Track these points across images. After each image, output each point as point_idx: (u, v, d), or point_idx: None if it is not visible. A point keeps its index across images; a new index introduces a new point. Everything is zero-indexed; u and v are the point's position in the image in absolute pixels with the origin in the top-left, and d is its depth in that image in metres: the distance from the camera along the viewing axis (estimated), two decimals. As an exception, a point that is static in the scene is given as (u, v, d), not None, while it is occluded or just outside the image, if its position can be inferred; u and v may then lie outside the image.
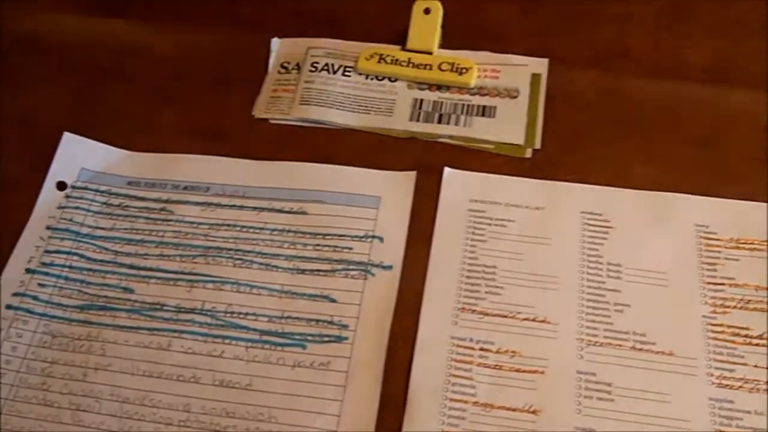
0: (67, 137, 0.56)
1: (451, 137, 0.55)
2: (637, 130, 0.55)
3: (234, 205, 0.53)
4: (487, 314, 0.48)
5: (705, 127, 0.55)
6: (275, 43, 0.61)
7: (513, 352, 0.47)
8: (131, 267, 0.51)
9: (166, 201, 0.54)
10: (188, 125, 0.57)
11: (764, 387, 0.45)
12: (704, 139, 0.55)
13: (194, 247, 0.51)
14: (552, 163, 0.54)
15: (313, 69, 0.59)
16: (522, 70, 0.58)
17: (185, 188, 0.54)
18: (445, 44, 0.59)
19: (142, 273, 0.51)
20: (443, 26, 0.58)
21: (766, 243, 0.50)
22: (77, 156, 0.55)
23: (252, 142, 0.56)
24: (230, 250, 0.51)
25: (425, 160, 0.54)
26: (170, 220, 0.53)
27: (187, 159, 0.55)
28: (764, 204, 0.52)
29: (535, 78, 0.57)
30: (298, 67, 0.59)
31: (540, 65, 0.58)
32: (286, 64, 0.60)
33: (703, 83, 0.57)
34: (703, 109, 0.56)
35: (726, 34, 0.59)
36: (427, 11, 0.58)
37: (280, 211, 0.52)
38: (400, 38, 0.59)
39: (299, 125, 0.57)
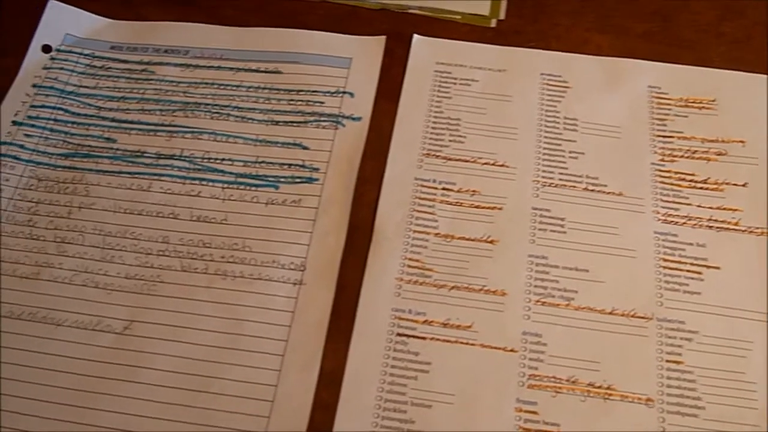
0: (52, 4, 0.58)
1: (420, 8, 0.58)
2: (597, 5, 0.58)
3: (212, 66, 0.55)
4: (450, 159, 0.51)
5: (661, 3, 0.58)
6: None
7: (473, 191, 0.50)
8: (113, 120, 0.53)
9: (147, 63, 0.56)
10: (168, -4, 0.59)
11: (706, 224, 0.48)
12: (660, 13, 0.58)
13: (173, 102, 0.54)
14: (515, 32, 0.57)
15: (291, -53, 0.61)
16: (490, -51, 0.60)
17: (165, 51, 0.56)
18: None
19: (124, 125, 0.53)
20: None
21: (713, 102, 0.53)
22: (61, 22, 0.57)
23: (229, 12, 0.58)
24: (208, 105, 0.54)
25: (396, 28, 0.57)
26: (151, 80, 0.55)
27: (168, 26, 0.58)
28: (713, 69, 0.55)
29: (502, -45, 0.60)
30: (277, -54, 0.62)
31: (507, -56, 0.60)
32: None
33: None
34: (661, -13, 0.59)
35: None
36: None
37: (256, 71, 0.55)
38: None
39: (276, -2, 0.59)
